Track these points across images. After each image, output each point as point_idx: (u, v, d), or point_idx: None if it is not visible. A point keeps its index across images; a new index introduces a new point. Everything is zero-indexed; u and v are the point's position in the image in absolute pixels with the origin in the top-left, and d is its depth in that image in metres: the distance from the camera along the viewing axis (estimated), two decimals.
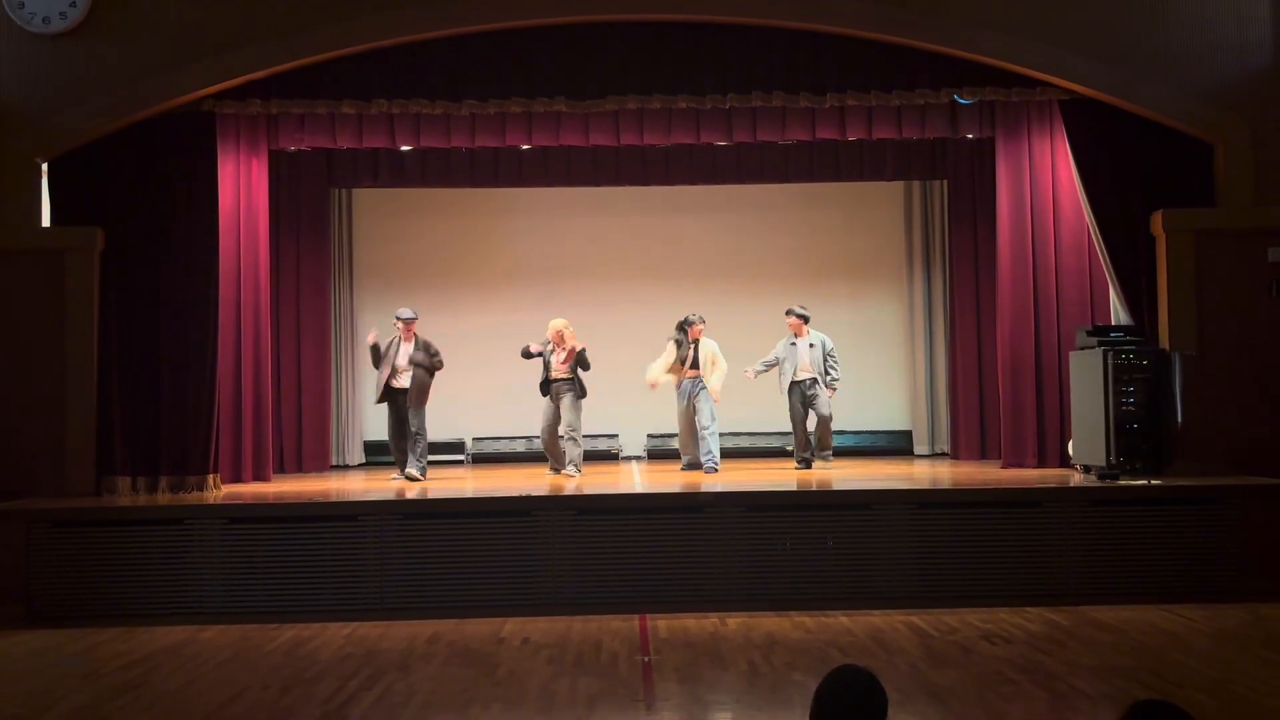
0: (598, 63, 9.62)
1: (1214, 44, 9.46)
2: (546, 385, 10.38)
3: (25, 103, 9.26)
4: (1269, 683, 6.02)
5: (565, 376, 10.31)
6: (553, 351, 10.36)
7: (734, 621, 7.71)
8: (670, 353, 10.74)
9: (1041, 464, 10.06)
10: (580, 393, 10.34)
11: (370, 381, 10.94)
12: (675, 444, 11.30)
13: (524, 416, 11.74)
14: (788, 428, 10.99)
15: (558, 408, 10.33)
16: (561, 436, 10.30)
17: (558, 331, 10.38)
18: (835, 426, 10.95)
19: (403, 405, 10.17)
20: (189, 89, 9.34)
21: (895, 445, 12.41)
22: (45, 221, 9.40)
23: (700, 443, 10.57)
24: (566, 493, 8.89)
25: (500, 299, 12.48)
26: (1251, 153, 9.39)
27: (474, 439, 12.42)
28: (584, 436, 10.57)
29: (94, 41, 9.28)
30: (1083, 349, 9.37)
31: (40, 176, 9.36)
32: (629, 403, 11.77)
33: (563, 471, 10.24)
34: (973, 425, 11.55)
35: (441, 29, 9.39)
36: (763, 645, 7.03)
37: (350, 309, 12.46)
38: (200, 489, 9.27)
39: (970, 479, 9.69)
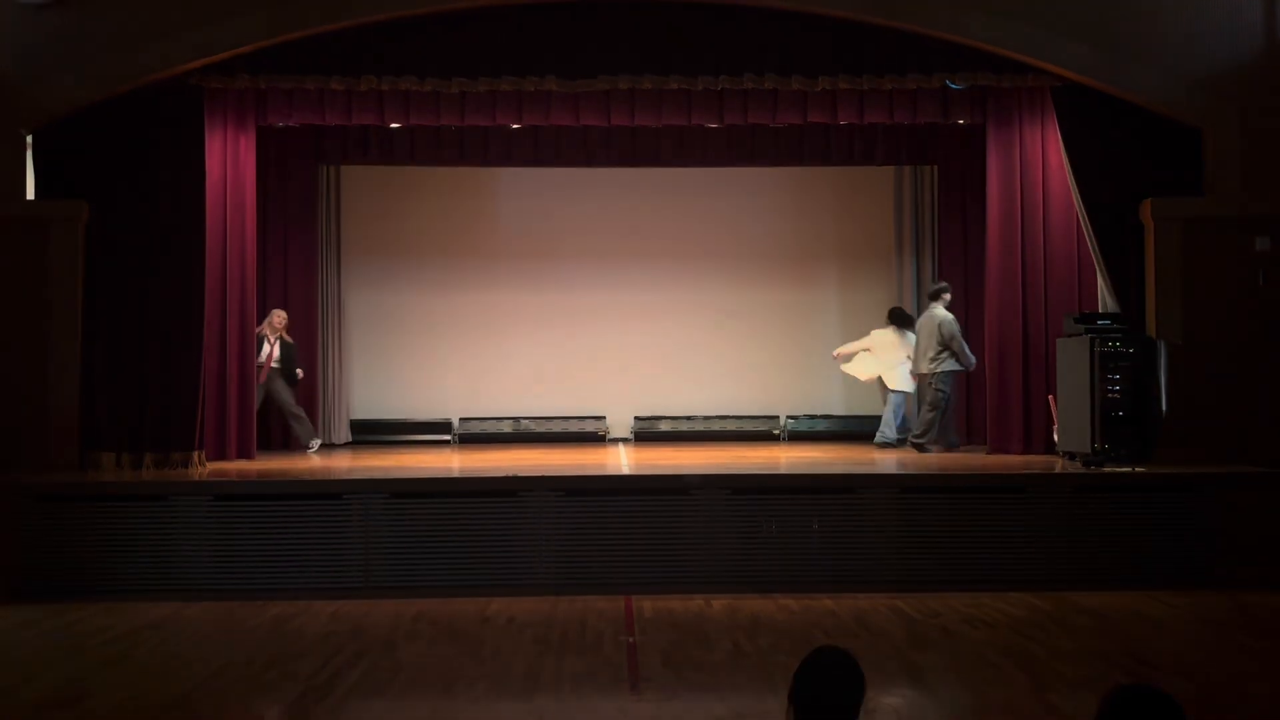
0: (589, 41, 9.56)
1: (1206, 30, 9.44)
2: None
3: (10, 73, 9.17)
4: (1248, 669, 6.07)
5: (275, 365, 10.97)
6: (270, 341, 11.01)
7: (719, 603, 7.73)
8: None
9: (1027, 450, 10.07)
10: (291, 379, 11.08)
11: (362, 361, 11.16)
12: (664, 426, 11.48)
13: (511, 397, 11.75)
14: (774, 411, 11.04)
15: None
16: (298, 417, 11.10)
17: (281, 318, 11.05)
18: (822, 411, 10.97)
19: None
20: (176, 62, 9.26)
21: None
22: (30, 193, 9.33)
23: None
24: (553, 474, 8.89)
25: (489, 279, 12.44)
26: (1240, 141, 9.39)
27: (461, 419, 12.39)
28: (570, 418, 10.73)
29: (80, 12, 9.18)
30: (1069, 336, 9.39)
31: (25, 148, 9.28)
32: (616, 385, 11.76)
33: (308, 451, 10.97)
34: (959, 411, 11.57)
35: (432, 6, 9.31)
36: (747, 627, 7.05)
37: (338, 287, 12.39)
38: (185, 465, 9.24)
39: (955, 464, 9.72)
